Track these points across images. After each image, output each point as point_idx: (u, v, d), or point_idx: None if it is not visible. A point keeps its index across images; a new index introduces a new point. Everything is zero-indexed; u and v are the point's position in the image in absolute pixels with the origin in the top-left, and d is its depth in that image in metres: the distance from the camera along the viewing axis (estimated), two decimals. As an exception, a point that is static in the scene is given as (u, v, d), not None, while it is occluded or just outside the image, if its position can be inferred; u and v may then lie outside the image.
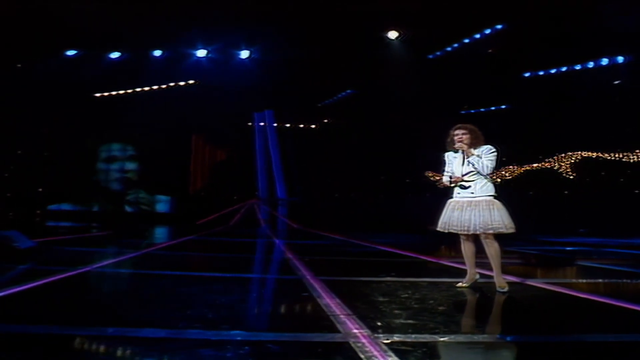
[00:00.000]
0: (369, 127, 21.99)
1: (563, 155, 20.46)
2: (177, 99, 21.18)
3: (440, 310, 3.61)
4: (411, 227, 14.91)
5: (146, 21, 16.46)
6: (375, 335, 2.83)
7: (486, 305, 4.02)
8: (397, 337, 2.82)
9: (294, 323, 3.23)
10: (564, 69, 18.48)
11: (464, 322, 3.55)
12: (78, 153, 20.73)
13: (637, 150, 19.18)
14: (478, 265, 4.55)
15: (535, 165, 20.96)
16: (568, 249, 8.65)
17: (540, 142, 20.09)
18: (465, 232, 4.27)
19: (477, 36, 15.36)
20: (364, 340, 2.72)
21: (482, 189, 4.27)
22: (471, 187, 4.28)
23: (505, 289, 4.25)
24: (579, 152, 20.29)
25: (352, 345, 2.64)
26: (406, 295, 4.08)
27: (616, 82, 18.73)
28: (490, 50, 16.58)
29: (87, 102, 20.17)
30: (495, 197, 4.29)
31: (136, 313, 3.42)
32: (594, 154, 20.03)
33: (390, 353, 2.50)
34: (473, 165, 4.24)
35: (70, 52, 17.82)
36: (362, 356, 2.46)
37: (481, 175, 4.28)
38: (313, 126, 26.96)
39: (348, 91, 22.64)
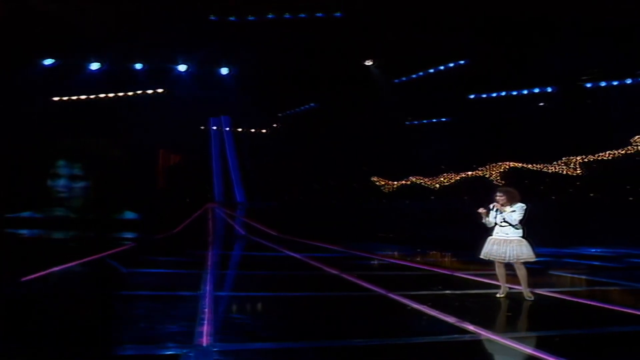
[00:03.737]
0: (324, 136, 23.79)
1: (494, 164, 23.43)
2: (140, 106, 21.69)
3: (511, 314, 5.64)
4: (367, 236, 16.99)
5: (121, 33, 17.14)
6: (498, 333, 4.73)
7: (531, 310, 6.03)
8: (516, 333, 4.73)
9: (433, 328, 4.97)
10: (503, 93, 21.66)
11: (539, 322, 5.58)
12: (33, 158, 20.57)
13: (555, 162, 22.67)
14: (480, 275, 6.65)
15: (469, 173, 23.82)
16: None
17: (475, 152, 22.91)
18: (502, 261, 6.36)
19: (441, 68, 17.86)
20: (496, 337, 4.61)
21: (514, 232, 6.35)
22: (507, 229, 6.36)
23: (532, 298, 6.40)
24: (507, 162, 23.33)
25: (494, 340, 4.53)
26: (478, 307, 6.06)
27: (540, 104, 22.27)
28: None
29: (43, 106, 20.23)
30: (523, 237, 6.40)
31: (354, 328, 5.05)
32: (520, 164, 23.12)
33: (524, 343, 4.38)
34: (505, 219, 6.31)
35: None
36: (511, 346, 4.33)
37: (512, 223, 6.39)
38: (264, 130, 28.33)
39: (311, 104, 24.48)
